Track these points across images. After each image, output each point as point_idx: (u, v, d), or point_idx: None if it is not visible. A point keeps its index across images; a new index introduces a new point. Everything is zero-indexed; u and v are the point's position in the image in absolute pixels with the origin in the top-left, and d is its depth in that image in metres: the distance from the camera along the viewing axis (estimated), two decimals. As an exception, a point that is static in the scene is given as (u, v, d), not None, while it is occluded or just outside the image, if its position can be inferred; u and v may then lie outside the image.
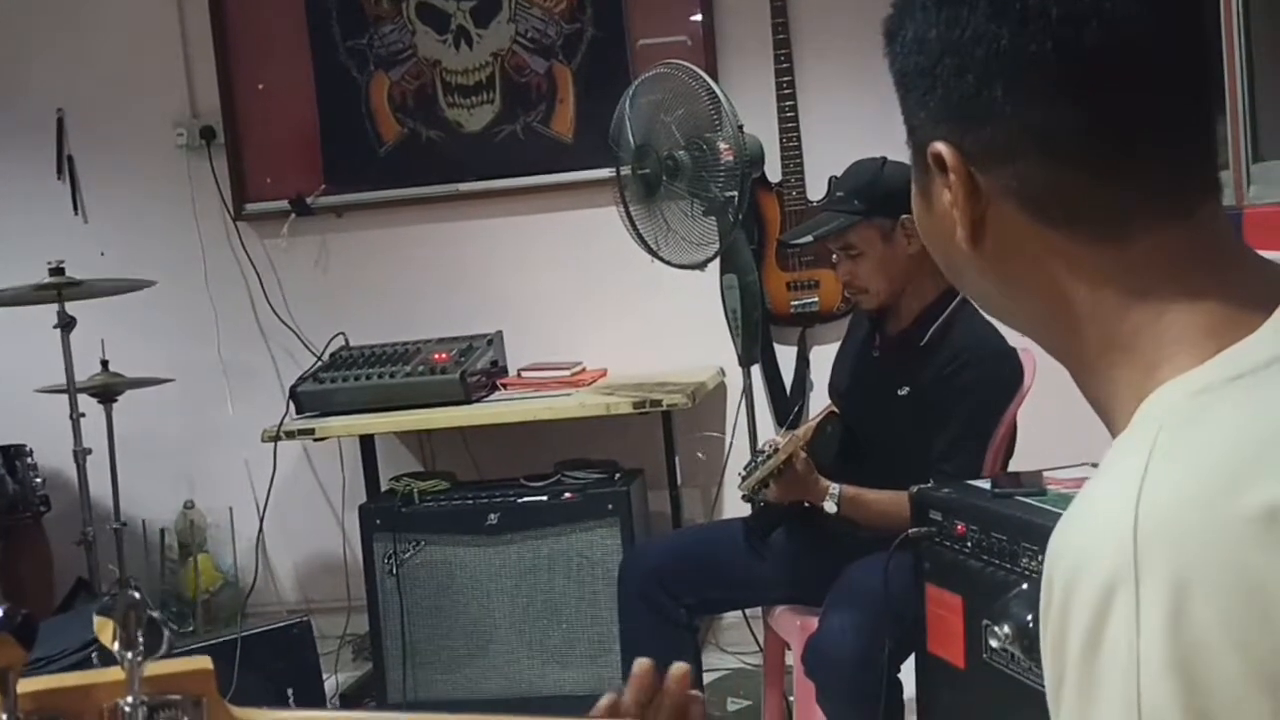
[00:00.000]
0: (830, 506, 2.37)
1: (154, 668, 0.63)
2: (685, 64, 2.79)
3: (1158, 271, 0.66)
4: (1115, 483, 0.60)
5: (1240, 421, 0.59)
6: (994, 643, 1.58)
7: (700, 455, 3.70)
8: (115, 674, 0.63)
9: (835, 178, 2.62)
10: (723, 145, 2.68)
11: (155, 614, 0.62)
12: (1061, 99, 0.65)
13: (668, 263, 2.85)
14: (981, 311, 0.80)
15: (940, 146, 0.69)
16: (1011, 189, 0.67)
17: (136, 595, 0.62)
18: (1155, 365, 0.65)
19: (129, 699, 0.63)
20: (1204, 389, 0.62)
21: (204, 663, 0.66)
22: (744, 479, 2.46)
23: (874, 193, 2.35)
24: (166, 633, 0.62)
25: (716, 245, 2.75)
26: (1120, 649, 0.55)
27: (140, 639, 0.62)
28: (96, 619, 0.62)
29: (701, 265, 2.81)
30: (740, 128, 2.69)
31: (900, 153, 2.70)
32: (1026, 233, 0.68)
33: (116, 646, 0.62)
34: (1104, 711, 0.56)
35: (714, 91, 2.70)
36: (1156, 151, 0.66)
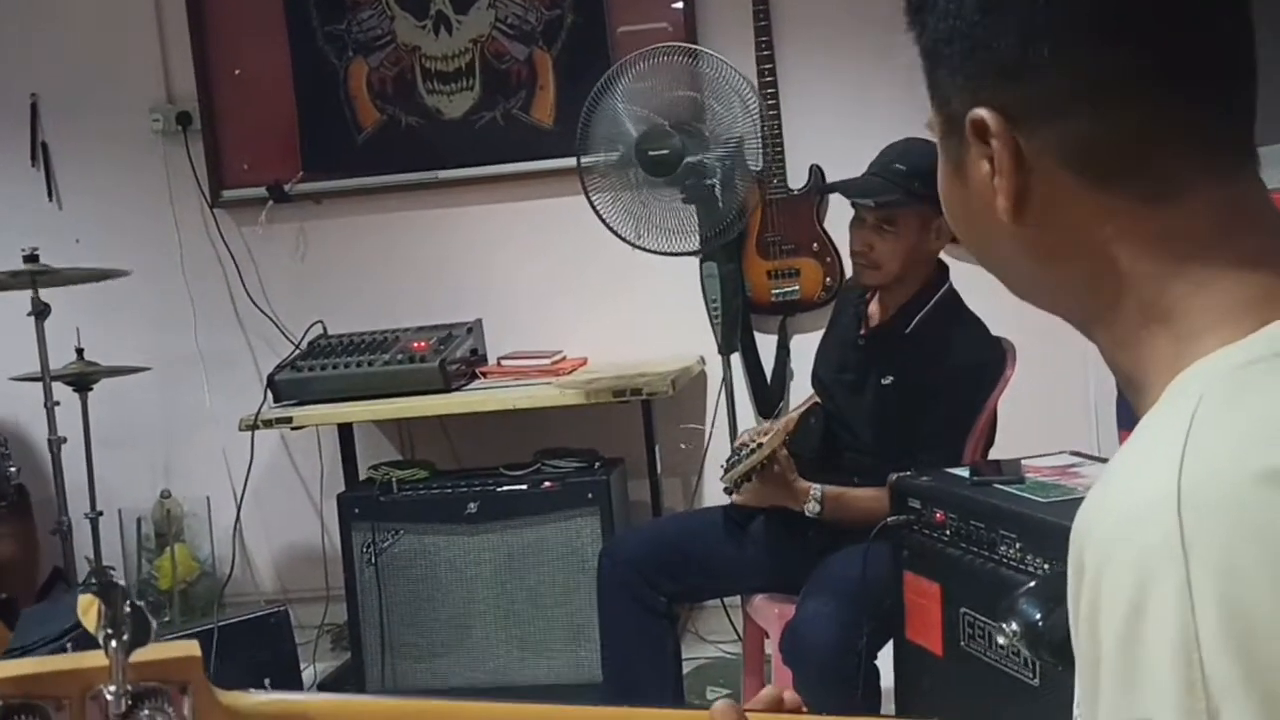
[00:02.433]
0: (813, 508, 2.36)
1: (139, 653, 0.61)
2: (695, 46, 2.80)
3: (1205, 234, 0.64)
4: (1153, 455, 0.58)
5: None
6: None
7: (681, 444, 3.70)
8: (99, 658, 0.61)
9: (809, 165, 2.61)
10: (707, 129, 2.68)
11: (141, 603, 0.60)
12: (1109, 48, 0.63)
13: (651, 251, 2.83)
14: (1015, 294, 0.75)
15: (982, 112, 0.66)
16: (1058, 149, 0.66)
17: (122, 583, 0.60)
18: (1195, 336, 0.63)
19: (112, 687, 0.61)
20: (1252, 361, 0.60)
21: (191, 648, 0.64)
22: (726, 472, 2.45)
23: (933, 180, 2.31)
24: (154, 623, 0.60)
25: (718, 229, 2.74)
26: (1168, 627, 0.53)
27: (126, 622, 0.60)
28: (81, 598, 0.60)
29: (695, 252, 2.80)
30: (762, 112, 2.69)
31: (881, 139, 2.67)
32: (1073, 196, 0.66)
33: (100, 629, 0.60)
34: (1152, 689, 0.54)
35: (729, 73, 2.70)
36: (1207, 104, 0.64)
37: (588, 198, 2.80)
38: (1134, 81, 0.63)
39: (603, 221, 2.79)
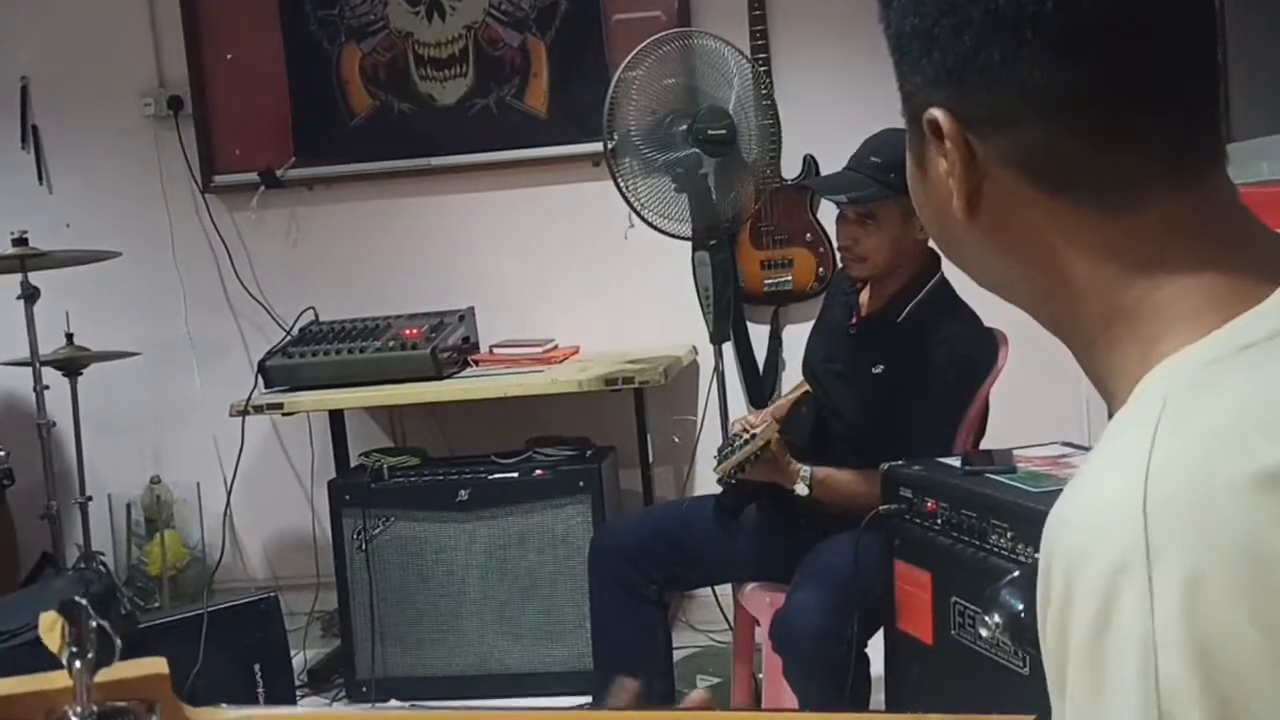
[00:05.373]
0: (801, 489, 2.37)
1: (104, 672, 0.59)
2: (713, 34, 2.79)
3: (1162, 241, 0.63)
4: (1119, 459, 0.57)
5: (1249, 390, 0.57)
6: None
7: (672, 434, 3.69)
8: (63, 678, 0.59)
9: (803, 155, 2.60)
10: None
11: (104, 623, 0.58)
12: (1062, 60, 0.62)
13: (668, 233, 2.80)
14: (981, 286, 0.75)
15: (936, 113, 0.67)
16: (1010, 155, 0.65)
17: (84, 602, 0.58)
18: (1159, 337, 0.62)
19: (77, 708, 0.59)
20: (1216, 359, 0.59)
21: (158, 665, 0.62)
22: (720, 462, 2.44)
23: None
24: (118, 642, 0.58)
25: (712, 221, 2.73)
26: (1132, 632, 0.53)
27: (90, 640, 0.58)
28: (44, 617, 0.58)
29: (697, 237, 2.78)
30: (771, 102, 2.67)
31: (876, 130, 2.66)
32: (1025, 201, 0.66)
33: (64, 648, 0.58)
34: (1117, 696, 0.54)
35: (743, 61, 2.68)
36: (1164, 114, 0.63)
37: (615, 182, 2.76)
38: (1085, 99, 0.62)
39: (629, 204, 2.74)
